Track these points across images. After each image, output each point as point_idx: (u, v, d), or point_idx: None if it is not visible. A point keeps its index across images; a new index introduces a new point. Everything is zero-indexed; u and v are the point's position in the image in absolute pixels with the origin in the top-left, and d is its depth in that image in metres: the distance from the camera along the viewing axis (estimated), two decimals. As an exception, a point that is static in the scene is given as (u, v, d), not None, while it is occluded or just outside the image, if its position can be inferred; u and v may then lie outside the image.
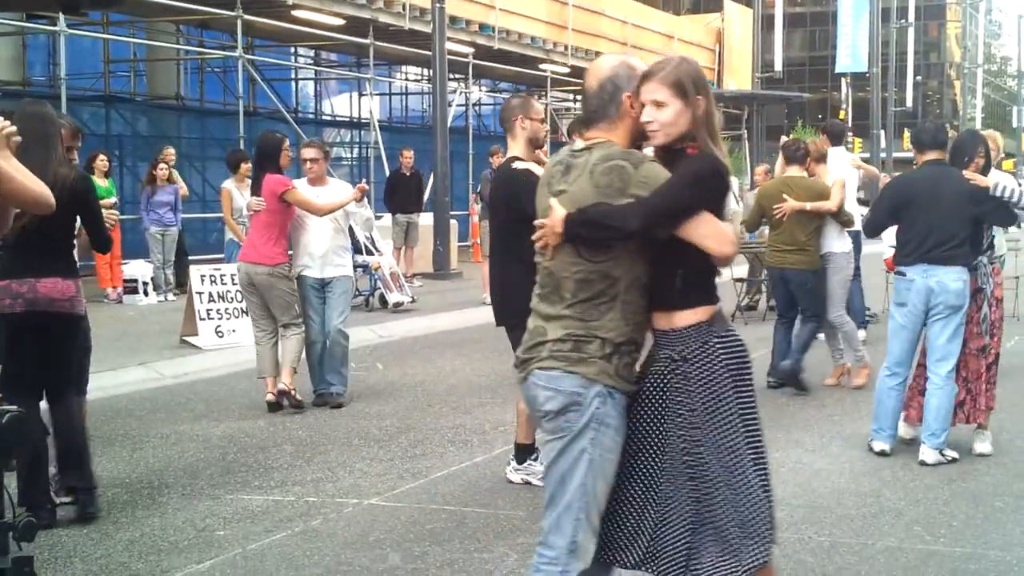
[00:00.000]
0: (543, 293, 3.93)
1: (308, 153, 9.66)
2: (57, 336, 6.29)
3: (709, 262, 3.90)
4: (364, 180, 10.99)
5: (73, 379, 6.49)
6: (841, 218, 10.07)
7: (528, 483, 7.07)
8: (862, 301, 12.95)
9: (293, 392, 9.22)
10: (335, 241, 9.57)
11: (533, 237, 3.94)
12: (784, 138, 11.47)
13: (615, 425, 3.84)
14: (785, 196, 9.87)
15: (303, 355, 9.40)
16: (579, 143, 3.98)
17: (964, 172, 7.70)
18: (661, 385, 3.90)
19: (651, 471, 3.91)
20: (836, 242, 10.13)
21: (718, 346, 3.88)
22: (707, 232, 3.79)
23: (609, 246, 3.78)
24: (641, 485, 3.91)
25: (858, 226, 10.19)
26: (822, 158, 10.48)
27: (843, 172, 10.93)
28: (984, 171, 7.93)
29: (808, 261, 9.96)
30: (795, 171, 10.09)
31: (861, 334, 11.28)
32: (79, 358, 6.53)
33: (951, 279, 7.44)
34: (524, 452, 7.22)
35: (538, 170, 6.91)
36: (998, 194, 7.66)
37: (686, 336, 3.88)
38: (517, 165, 6.93)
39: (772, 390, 9.99)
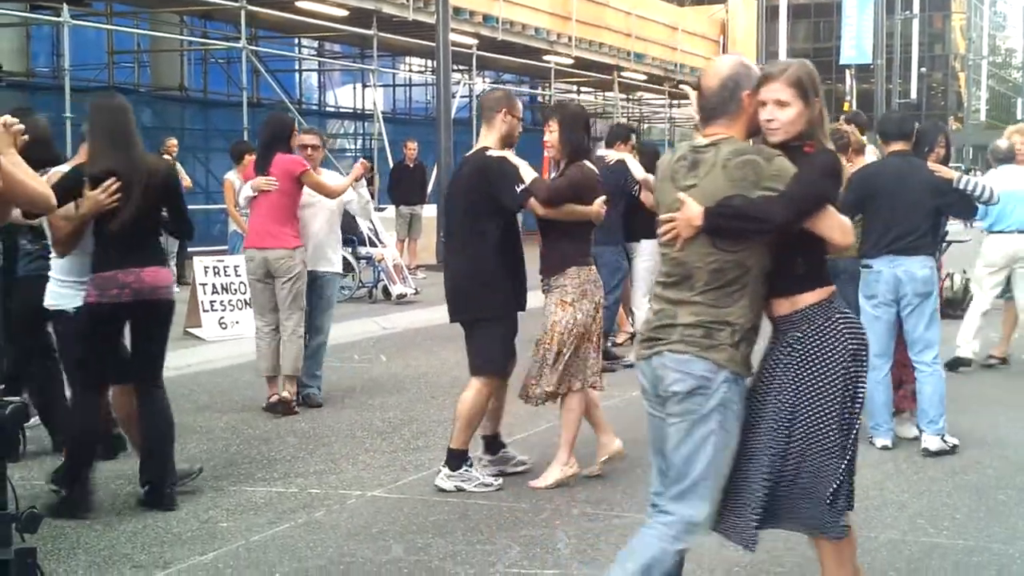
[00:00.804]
0: (670, 281, 4.12)
1: (309, 140, 9.24)
2: (157, 323, 6.53)
3: (825, 249, 4.16)
4: (363, 158, 10.67)
5: (161, 368, 6.71)
6: None
7: (461, 489, 6.70)
8: None
9: (293, 403, 8.93)
10: (330, 235, 9.30)
11: (661, 230, 4.12)
12: None
13: (736, 410, 4.05)
14: None
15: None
16: (700, 139, 4.15)
17: (928, 163, 7.74)
18: (783, 369, 4.11)
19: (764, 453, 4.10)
20: None
21: (841, 322, 4.11)
22: (834, 224, 4.07)
23: (747, 238, 3.97)
24: (754, 465, 4.09)
25: None
26: (862, 149, 10.48)
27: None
28: (944, 161, 7.98)
29: (855, 248, 9.86)
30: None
31: None
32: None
33: (917, 267, 7.50)
34: (457, 459, 6.79)
35: (514, 159, 6.83)
36: (961, 186, 7.72)
37: (810, 314, 4.10)
38: (492, 154, 6.82)
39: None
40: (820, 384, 4.05)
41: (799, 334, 4.08)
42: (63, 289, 6.61)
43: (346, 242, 16.13)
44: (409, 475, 7.15)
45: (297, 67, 32.62)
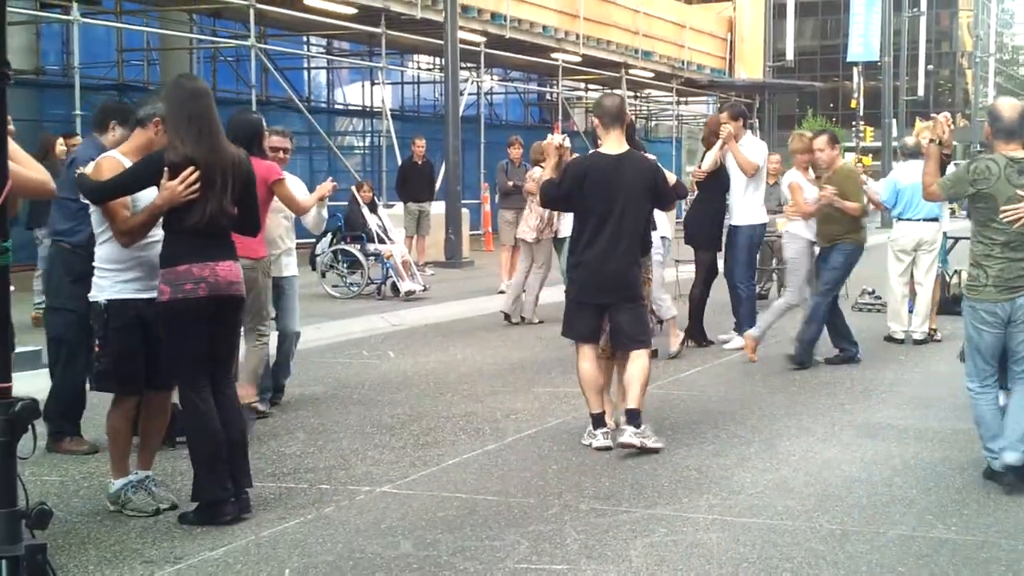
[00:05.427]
0: (1013, 246, 6.38)
1: (281, 142, 8.74)
2: (231, 321, 6.27)
3: None
4: (331, 179, 9.78)
5: (232, 368, 6.55)
6: None
7: (644, 445, 7.37)
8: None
9: (255, 404, 8.42)
10: (289, 240, 8.94)
11: (1011, 216, 6.33)
12: (795, 129, 11.70)
13: None
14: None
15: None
16: (1013, 152, 6.40)
17: None
18: None
19: None
20: None
21: None
22: None
23: None
24: None
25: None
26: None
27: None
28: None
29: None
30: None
31: None
32: None
33: None
34: (637, 416, 7.47)
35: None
36: None
37: None
38: (652, 156, 8.18)
39: (786, 377, 10.08)
40: None
41: None
42: (98, 279, 6.22)
43: (355, 239, 16.26)
44: (418, 471, 7.16)
45: (306, 65, 32.61)
